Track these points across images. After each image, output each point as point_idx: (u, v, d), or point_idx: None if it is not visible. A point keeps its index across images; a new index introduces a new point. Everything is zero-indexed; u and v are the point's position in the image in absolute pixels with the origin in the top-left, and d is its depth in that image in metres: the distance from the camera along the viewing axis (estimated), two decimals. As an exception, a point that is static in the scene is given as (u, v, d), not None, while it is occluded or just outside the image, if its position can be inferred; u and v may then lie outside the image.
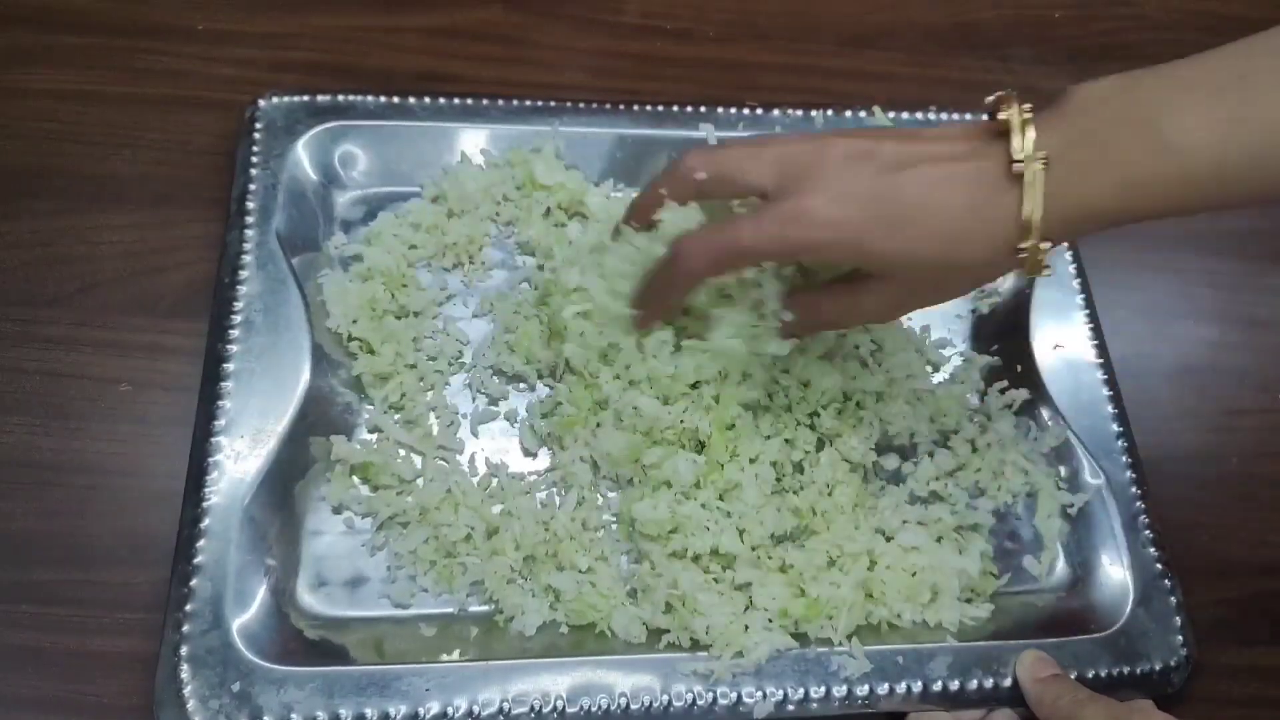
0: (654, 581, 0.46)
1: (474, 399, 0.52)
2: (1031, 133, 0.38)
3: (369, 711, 0.42)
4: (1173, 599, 0.49)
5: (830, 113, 0.60)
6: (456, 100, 0.57)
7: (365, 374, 0.50)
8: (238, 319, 0.49)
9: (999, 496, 0.52)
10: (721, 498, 0.48)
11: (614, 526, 0.49)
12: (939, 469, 0.52)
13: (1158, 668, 0.47)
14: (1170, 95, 0.38)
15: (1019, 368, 0.55)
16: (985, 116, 0.41)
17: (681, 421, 0.48)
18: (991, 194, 0.39)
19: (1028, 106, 0.39)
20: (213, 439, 0.46)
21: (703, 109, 0.59)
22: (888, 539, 0.49)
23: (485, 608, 0.46)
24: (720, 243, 0.42)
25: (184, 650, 0.42)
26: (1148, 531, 0.51)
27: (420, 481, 0.49)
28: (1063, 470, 0.53)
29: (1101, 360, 0.55)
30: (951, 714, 0.46)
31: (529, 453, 0.51)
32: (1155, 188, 0.38)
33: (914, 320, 0.57)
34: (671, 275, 0.44)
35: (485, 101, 0.58)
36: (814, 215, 0.40)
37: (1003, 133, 0.39)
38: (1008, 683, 0.46)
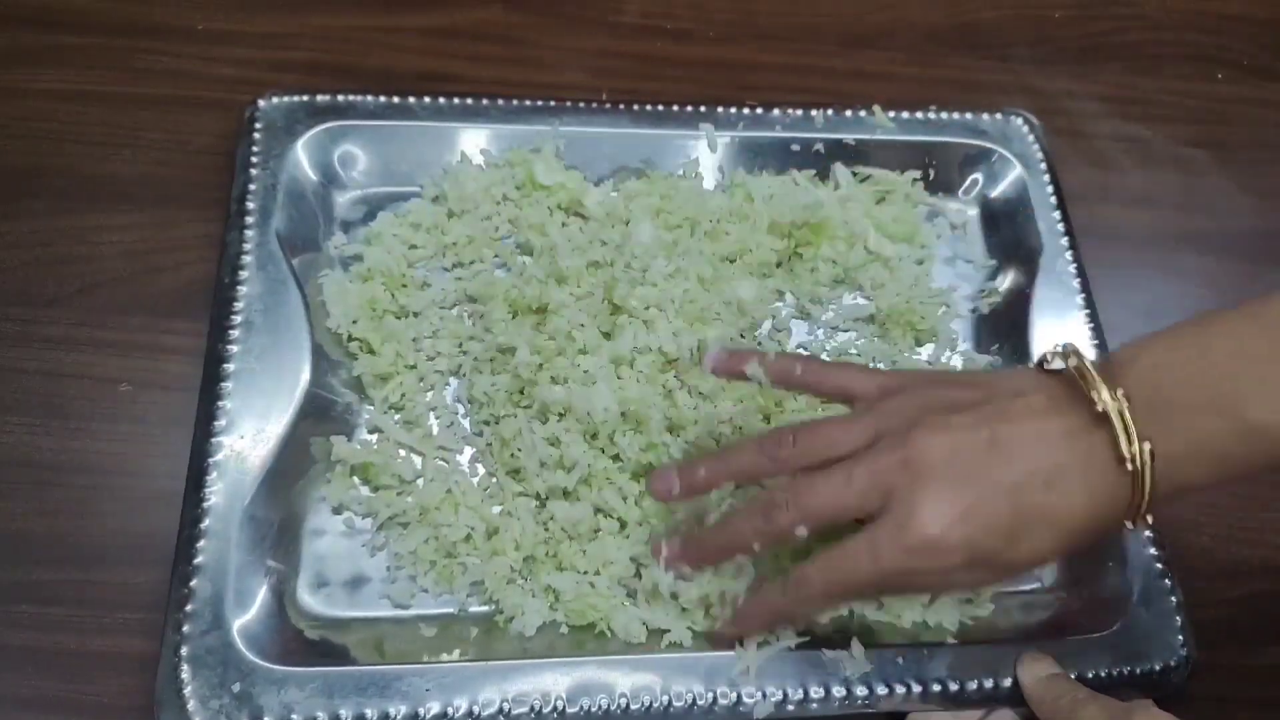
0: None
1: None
2: (1132, 424, 0.38)
3: (369, 711, 0.42)
4: (1173, 599, 0.49)
5: (830, 112, 0.60)
6: (456, 100, 0.57)
7: (365, 374, 0.50)
8: (238, 319, 0.49)
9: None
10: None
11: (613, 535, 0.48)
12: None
13: (1158, 668, 0.47)
14: (1246, 371, 0.38)
15: (1019, 368, 0.55)
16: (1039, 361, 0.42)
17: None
18: (1102, 486, 0.39)
19: (1118, 392, 0.38)
20: (213, 439, 0.46)
21: (703, 109, 0.59)
22: None
23: (485, 608, 0.46)
24: (840, 579, 0.41)
25: (184, 650, 0.42)
26: (1148, 532, 0.51)
27: (420, 482, 0.49)
28: (1063, 470, 0.53)
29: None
30: (951, 714, 0.46)
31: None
32: (1249, 466, 0.38)
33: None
34: (786, 602, 0.43)
35: (485, 101, 0.58)
36: (943, 542, 0.39)
37: (1097, 413, 0.38)
38: (1008, 683, 0.45)
